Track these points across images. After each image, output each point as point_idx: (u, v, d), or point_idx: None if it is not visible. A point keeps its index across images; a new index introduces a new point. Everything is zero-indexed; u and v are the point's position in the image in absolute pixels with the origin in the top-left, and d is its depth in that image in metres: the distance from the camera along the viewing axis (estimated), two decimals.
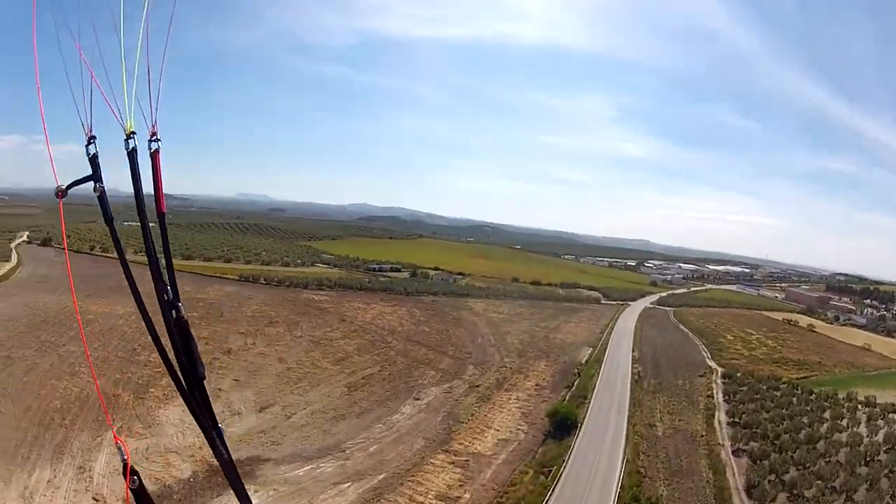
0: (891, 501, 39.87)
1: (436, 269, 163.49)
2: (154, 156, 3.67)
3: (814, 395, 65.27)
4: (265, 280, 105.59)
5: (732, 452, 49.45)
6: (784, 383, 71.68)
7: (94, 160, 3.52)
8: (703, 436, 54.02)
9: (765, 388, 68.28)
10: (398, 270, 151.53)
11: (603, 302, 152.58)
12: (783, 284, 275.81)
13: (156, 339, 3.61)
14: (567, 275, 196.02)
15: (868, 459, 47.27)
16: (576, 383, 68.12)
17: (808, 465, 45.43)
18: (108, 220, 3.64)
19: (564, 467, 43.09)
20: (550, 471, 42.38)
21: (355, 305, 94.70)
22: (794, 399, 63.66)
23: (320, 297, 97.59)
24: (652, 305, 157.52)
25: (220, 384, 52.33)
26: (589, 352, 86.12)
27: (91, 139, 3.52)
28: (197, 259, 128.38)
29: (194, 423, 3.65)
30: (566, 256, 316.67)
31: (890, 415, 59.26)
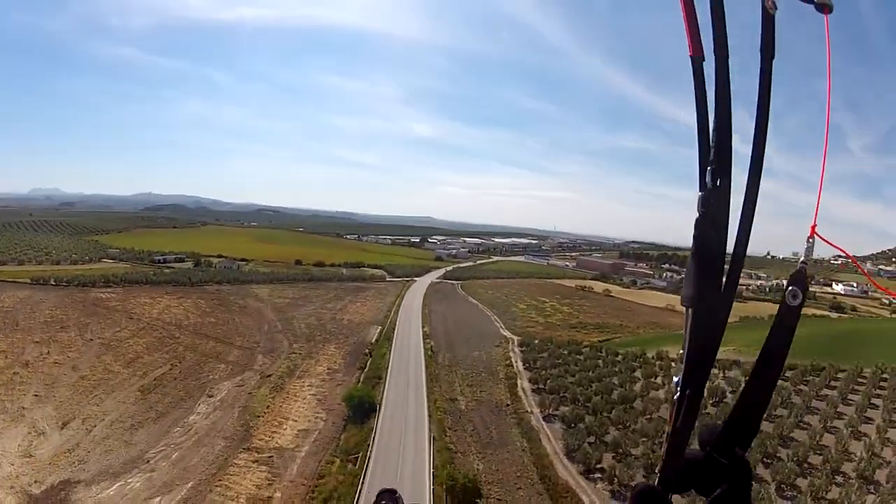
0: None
1: (219, 256, 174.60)
2: None
3: (620, 357, 73.51)
4: (55, 281, 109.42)
5: (543, 419, 53.23)
6: (586, 346, 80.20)
7: None
8: (508, 405, 57.63)
9: (566, 352, 75.31)
10: (182, 260, 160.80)
11: (388, 279, 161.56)
12: (573, 254, 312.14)
13: None
14: (351, 255, 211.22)
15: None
16: (368, 364, 69.92)
17: (628, 425, 50.68)
18: None
19: (371, 453, 43.59)
20: (357, 458, 42.81)
21: (142, 301, 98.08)
22: (600, 362, 71.20)
23: (108, 295, 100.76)
24: (438, 280, 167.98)
25: (23, 402, 54.16)
26: (378, 330, 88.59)
27: None
28: None
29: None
30: (349, 237, 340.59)
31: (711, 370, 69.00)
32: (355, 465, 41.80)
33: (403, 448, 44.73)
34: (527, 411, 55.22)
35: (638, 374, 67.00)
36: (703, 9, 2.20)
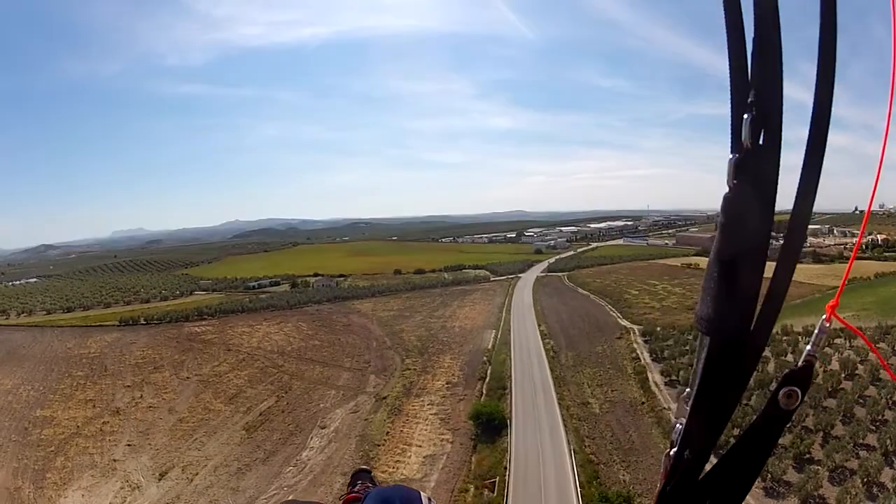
0: None
1: (315, 274, 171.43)
2: None
3: None
4: (145, 320, 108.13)
5: None
6: None
7: None
8: (643, 403, 54.55)
9: (691, 337, 70.90)
10: (277, 284, 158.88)
11: (492, 279, 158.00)
12: (670, 231, 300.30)
13: None
14: (449, 258, 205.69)
15: (833, 390, 49.92)
16: (488, 373, 67.44)
17: None
18: None
19: (509, 475, 40.92)
20: (494, 483, 40.07)
21: (239, 331, 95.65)
22: None
23: (203, 329, 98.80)
24: (543, 274, 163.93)
25: (114, 453, 51.22)
26: (493, 335, 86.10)
27: None
28: (77, 310, 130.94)
29: None
30: (444, 240, 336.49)
31: (835, 341, 63.85)
32: (493, 492, 39.12)
33: (543, 466, 42.18)
34: (664, 408, 51.90)
35: (767, 352, 62.16)
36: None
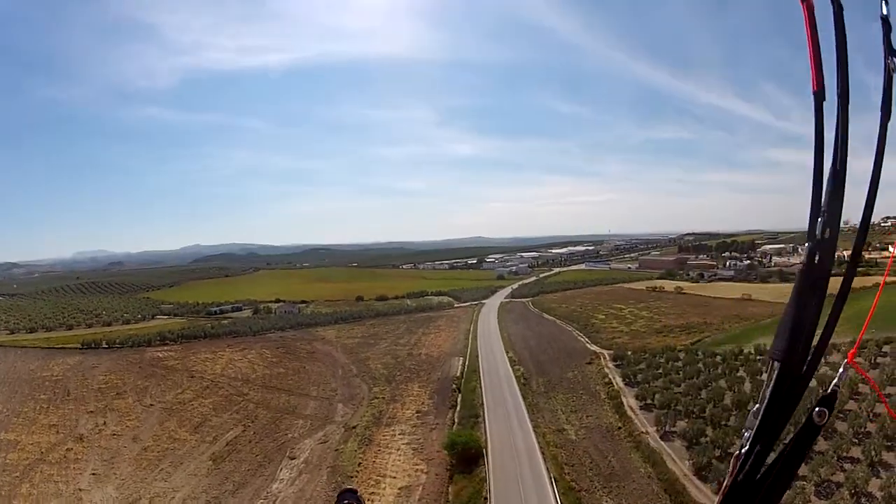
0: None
1: (277, 300, 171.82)
2: None
3: (719, 357, 68.92)
4: (107, 343, 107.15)
5: (661, 438, 49.27)
6: (680, 351, 75.49)
7: None
8: (620, 428, 53.72)
9: (663, 360, 70.97)
10: (240, 309, 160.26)
11: (456, 305, 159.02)
12: (632, 255, 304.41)
13: None
14: (412, 284, 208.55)
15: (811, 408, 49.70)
16: (459, 401, 66.33)
17: None
18: None
19: None
20: None
21: (202, 357, 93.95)
22: (701, 365, 66.56)
23: (165, 354, 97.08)
24: (507, 299, 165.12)
25: (80, 482, 48.69)
26: (461, 362, 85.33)
27: None
28: (40, 330, 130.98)
29: None
30: (405, 266, 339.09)
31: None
32: None
33: (524, 495, 40.73)
34: (641, 432, 51.14)
35: (742, 372, 62.59)
36: (827, 45, 2.29)
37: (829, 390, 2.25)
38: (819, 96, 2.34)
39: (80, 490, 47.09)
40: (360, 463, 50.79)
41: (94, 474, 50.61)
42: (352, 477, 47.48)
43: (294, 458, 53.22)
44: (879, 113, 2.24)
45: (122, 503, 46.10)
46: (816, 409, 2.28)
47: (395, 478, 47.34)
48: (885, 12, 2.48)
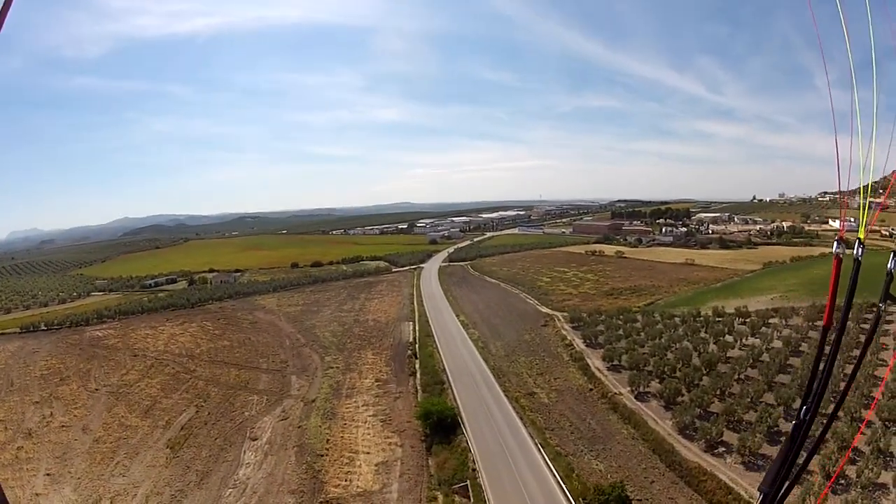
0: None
1: (210, 270, 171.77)
2: None
3: (678, 319, 70.17)
4: (46, 325, 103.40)
5: (636, 399, 49.62)
6: (637, 313, 76.58)
7: None
8: (591, 389, 53.93)
9: (621, 322, 71.73)
10: (174, 281, 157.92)
11: (394, 270, 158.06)
12: (564, 220, 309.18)
13: None
14: (345, 250, 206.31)
15: (782, 367, 51.54)
16: (418, 367, 65.18)
17: (725, 390, 47.49)
18: None
19: (481, 478, 38.38)
20: (465, 486, 37.20)
21: (143, 333, 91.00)
22: (661, 326, 67.64)
23: (105, 332, 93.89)
24: (445, 263, 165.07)
25: (35, 485, 44.05)
26: (411, 327, 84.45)
27: None
28: None
29: None
30: (334, 232, 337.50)
31: (771, 320, 66.29)
32: (467, 498, 36.17)
33: (514, 464, 40.02)
34: (615, 393, 51.46)
35: (703, 334, 63.90)
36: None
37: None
38: (825, 331, 3.52)
39: (37, 495, 42.99)
40: (327, 439, 48.05)
41: (48, 475, 46.42)
42: (322, 456, 44.85)
43: (256, 439, 49.95)
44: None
45: None
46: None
47: (368, 453, 44.95)
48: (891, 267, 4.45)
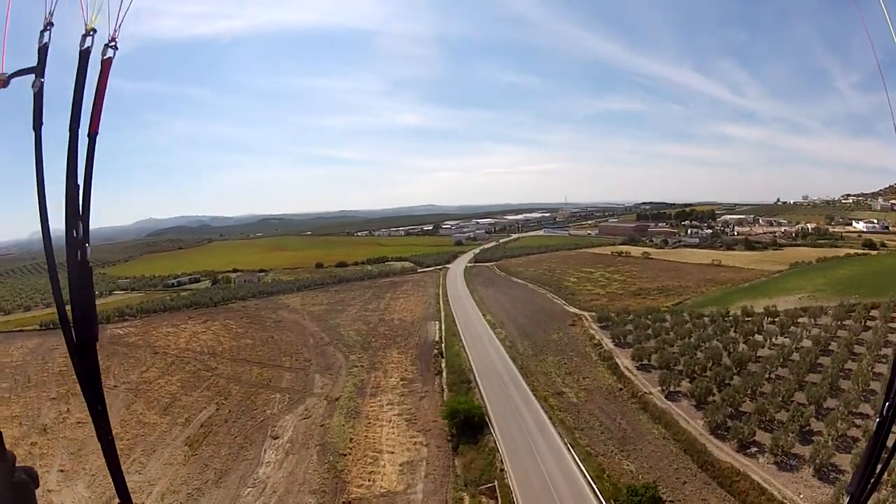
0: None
1: (235, 270, 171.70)
2: (106, 64, 3.67)
3: (707, 318, 69.12)
4: None
5: (667, 398, 48.96)
6: (666, 312, 75.67)
7: (43, 51, 3.58)
8: (621, 389, 53.35)
9: (650, 321, 70.87)
10: (197, 281, 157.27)
11: (420, 271, 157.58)
12: (589, 222, 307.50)
13: (55, 284, 3.72)
14: (370, 251, 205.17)
15: (812, 365, 50.48)
16: (444, 366, 64.83)
17: (756, 390, 46.67)
18: (37, 125, 3.58)
19: (509, 479, 37.86)
20: (493, 487, 36.76)
21: (165, 331, 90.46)
22: (691, 326, 66.70)
23: (126, 330, 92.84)
24: (471, 264, 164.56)
25: (47, 482, 43.15)
26: (437, 326, 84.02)
27: (48, 25, 3.61)
28: None
29: None
30: (359, 234, 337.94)
31: (799, 319, 65.09)
32: (494, 499, 35.69)
33: (543, 464, 39.49)
34: (645, 393, 50.77)
35: (733, 333, 62.84)
36: None
37: None
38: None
39: (48, 492, 42.54)
40: (350, 438, 47.66)
41: (61, 471, 46.27)
42: (345, 455, 44.43)
43: (277, 438, 49.59)
44: None
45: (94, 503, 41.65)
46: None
47: (393, 453, 44.46)
48: None
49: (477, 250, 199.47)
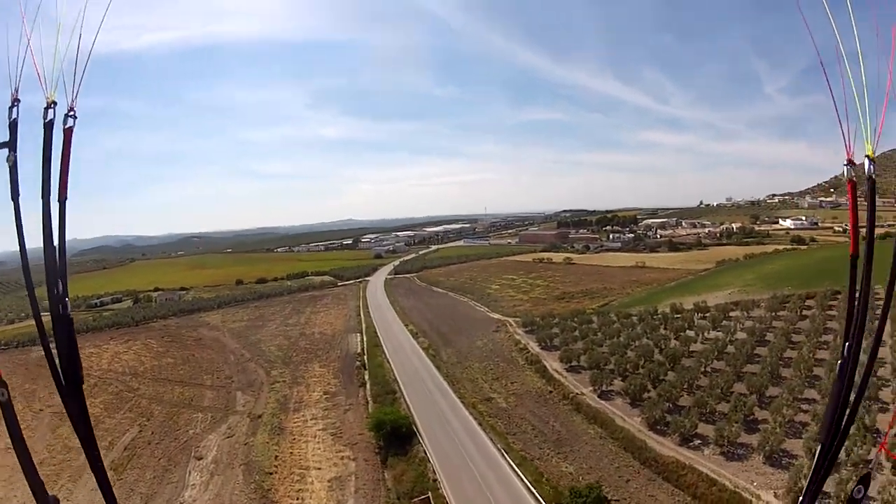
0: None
1: (156, 289, 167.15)
2: (67, 133, 3.91)
3: (635, 318, 68.47)
4: None
5: (600, 398, 47.31)
6: (592, 314, 74.80)
7: (13, 126, 3.83)
8: (551, 392, 51.52)
9: (576, 324, 69.66)
10: (119, 300, 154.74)
11: (340, 284, 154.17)
12: (509, 231, 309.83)
13: (42, 335, 4.24)
14: (289, 266, 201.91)
15: (749, 356, 50.30)
16: (367, 378, 61.94)
17: (692, 384, 45.70)
18: (14, 195, 3.92)
19: (444, 488, 35.29)
20: (427, 499, 34.07)
21: (87, 352, 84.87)
22: (619, 325, 65.83)
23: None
24: (391, 276, 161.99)
25: None
26: (359, 339, 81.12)
27: (15, 102, 3.87)
28: None
29: None
30: (279, 250, 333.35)
31: (731, 313, 65.22)
32: None
33: (477, 472, 36.91)
34: (577, 394, 49.02)
35: (663, 331, 62.32)
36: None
37: (863, 474, 3.49)
38: (854, 260, 3.54)
39: None
40: (276, 456, 44.95)
41: None
42: (271, 474, 41.72)
43: (201, 458, 46.76)
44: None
45: None
46: (857, 486, 3.49)
47: (320, 469, 41.96)
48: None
49: (397, 262, 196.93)
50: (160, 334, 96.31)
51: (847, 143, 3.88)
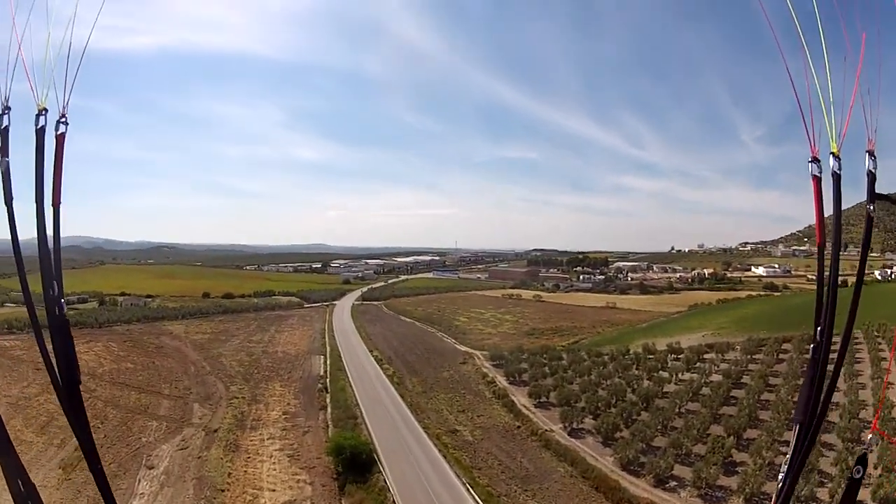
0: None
1: (123, 294, 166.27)
2: (59, 139, 3.99)
3: (606, 357, 67.26)
4: None
5: (570, 435, 45.69)
6: (562, 351, 73.52)
7: (5, 133, 3.94)
8: (518, 427, 49.76)
9: (546, 360, 68.30)
10: (85, 301, 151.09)
11: (306, 306, 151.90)
12: (479, 266, 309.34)
13: (39, 336, 4.29)
14: (258, 284, 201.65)
15: (726, 399, 49.36)
16: (328, 401, 59.46)
17: (666, 425, 44.50)
18: (7, 200, 3.96)
19: None
20: None
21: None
22: (589, 363, 64.55)
23: (12, 343, 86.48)
24: (358, 302, 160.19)
25: None
26: (322, 361, 78.59)
27: (6, 109, 3.95)
28: None
29: None
30: (248, 267, 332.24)
31: (706, 355, 64.36)
32: None
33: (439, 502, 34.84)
34: (546, 430, 47.34)
35: (635, 371, 61.38)
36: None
37: (862, 452, 3.66)
38: (821, 249, 3.67)
39: None
40: (229, 473, 42.57)
41: None
42: (223, 491, 39.11)
43: (152, 468, 44.57)
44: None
45: None
46: (856, 467, 3.66)
47: (274, 490, 39.48)
48: (870, 168, 3.89)
49: (365, 289, 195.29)
50: (122, 338, 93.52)
51: (811, 140, 4.03)
